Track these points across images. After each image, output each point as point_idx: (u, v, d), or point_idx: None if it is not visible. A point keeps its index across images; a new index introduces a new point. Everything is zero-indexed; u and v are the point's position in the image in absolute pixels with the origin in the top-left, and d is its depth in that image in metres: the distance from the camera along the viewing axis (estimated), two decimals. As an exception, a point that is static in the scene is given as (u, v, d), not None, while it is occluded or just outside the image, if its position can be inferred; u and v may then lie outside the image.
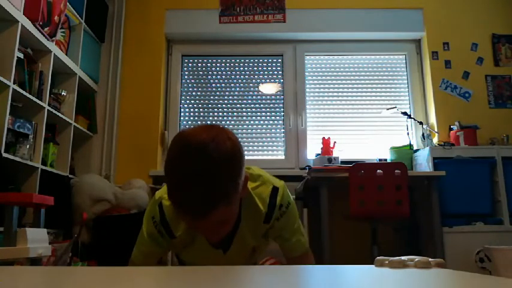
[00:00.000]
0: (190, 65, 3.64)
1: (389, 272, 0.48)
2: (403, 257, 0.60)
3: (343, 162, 3.11)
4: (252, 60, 3.65)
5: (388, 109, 3.35)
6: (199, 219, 0.89)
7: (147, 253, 1.20)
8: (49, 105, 2.62)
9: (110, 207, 2.68)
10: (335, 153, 3.18)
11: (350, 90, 3.61)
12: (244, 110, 3.54)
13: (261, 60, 3.65)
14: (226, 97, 3.56)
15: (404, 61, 3.68)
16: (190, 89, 3.59)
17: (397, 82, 3.64)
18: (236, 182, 0.92)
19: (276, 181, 1.20)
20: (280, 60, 3.65)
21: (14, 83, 2.22)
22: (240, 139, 0.98)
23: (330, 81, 3.63)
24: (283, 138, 3.47)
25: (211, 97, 3.57)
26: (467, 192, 2.84)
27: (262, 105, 3.55)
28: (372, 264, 0.61)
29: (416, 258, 0.58)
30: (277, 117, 3.53)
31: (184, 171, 0.87)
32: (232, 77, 3.61)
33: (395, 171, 2.59)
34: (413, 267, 0.55)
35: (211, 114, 3.53)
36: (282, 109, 3.54)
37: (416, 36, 3.64)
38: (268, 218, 1.15)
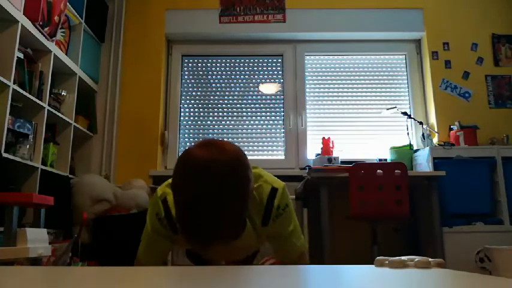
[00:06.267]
0: (190, 65, 3.64)
1: (389, 272, 0.48)
2: (403, 257, 0.60)
3: (343, 162, 3.10)
4: (252, 60, 3.65)
5: (388, 109, 3.35)
6: (206, 245, 0.90)
7: (154, 250, 1.20)
8: (49, 105, 2.62)
9: (110, 207, 2.68)
10: (335, 153, 3.18)
11: (350, 90, 3.61)
12: (244, 110, 3.54)
13: (261, 60, 3.65)
14: (226, 97, 3.56)
15: (404, 61, 3.68)
16: (190, 89, 3.59)
17: (397, 82, 3.64)
18: (245, 202, 0.92)
19: (276, 182, 1.19)
20: (280, 60, 3.65)
21: (14, 83, 2.22)
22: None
23: (330, 81, 3.63)
24: (283, 138, 3.47)
25: (211, 97, 3.56)
26: (467, 192, 2.84)
27: (262, 105, 3.55)
28: (372, 264, 0.61)
29: (416, 258, 0.58)
30: (277, 117, 3.53)
31: (193, 197, 0.87)
32: (232, 77, 3.61)
33: (395, 171, 2.59)
34: (413, 267, 0.55)
35: (211, 114, 3.53)
36: (282, 109, 3.54)
37: (416, 36, 3.64)
38: (266, 220, 1.15)
